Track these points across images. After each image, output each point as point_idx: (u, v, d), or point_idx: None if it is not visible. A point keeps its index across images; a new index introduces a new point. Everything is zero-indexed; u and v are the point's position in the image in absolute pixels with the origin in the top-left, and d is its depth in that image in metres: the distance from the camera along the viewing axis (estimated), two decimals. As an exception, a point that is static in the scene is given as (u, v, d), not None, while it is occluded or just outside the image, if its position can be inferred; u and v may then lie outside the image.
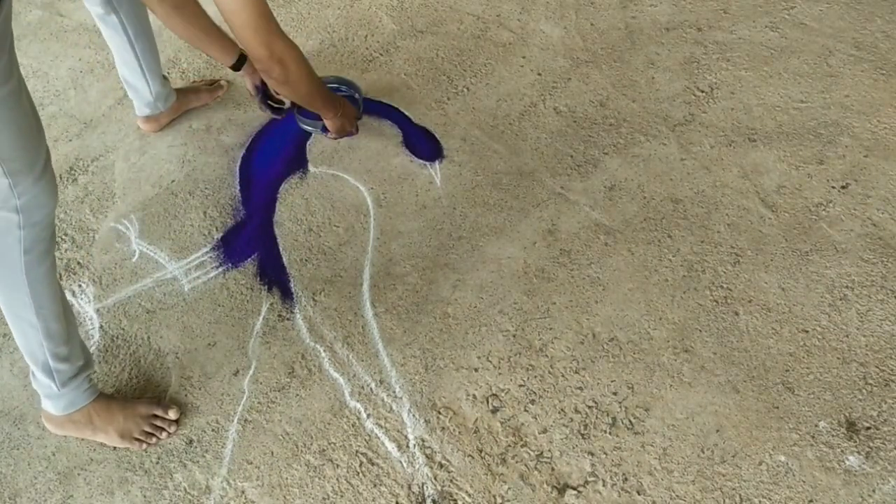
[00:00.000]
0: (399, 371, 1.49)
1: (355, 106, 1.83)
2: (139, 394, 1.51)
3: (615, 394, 1.42)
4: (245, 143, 1.93)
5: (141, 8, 1.72)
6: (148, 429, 1.42)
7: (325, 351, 1.53)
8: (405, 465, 1.36)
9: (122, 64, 1.80)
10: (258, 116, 1.98)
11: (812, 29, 2.03)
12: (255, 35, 1.30)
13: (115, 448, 1.43)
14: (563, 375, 1.45)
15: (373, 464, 1.37)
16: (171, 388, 1.51)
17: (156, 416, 1.43)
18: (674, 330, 1.49)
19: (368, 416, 1.43)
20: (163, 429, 1.43)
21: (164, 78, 1.88)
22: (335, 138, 1.79)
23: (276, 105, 1.84)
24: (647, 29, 2.10)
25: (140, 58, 1.77)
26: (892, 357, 1.42)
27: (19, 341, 1.30)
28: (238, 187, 1.85)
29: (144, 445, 1.42)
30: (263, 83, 1.78)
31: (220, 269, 1.69)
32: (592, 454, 1.35)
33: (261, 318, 1.60)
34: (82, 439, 1.43)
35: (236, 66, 1.72)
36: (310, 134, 1.90)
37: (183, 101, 1.97)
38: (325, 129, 1.74)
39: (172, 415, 1.44)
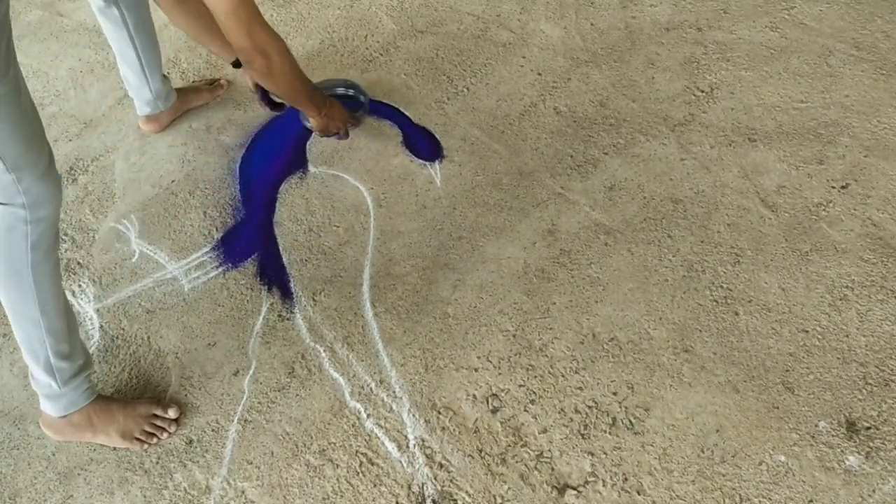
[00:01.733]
0: (399, 371, 1.49)
1: (360, 109, 1.82)
2: (139, 394, 1.51)
3: (615, 394, 1.42)
4: (245, 143, 1.93)
5: (142, 2, 1.72)
6: (148, 429, 1.42)
7: (325, 351, 1.53)
8: (405, 465, 1.36)
9: (122, 60, 1.80)
10: (258, 116, 1.98)
11: (812, 29, 2.03)
12: (237, 23, 1.31)
13: (114, 448, 1.43)
14: (563, 375, 1.45)
15: (373, 464, 1.37)
16: (171, 388, 1.51)
17: (156, 416, 1.43)
18: (674, 330, 1.49)
19: (368, 416, 1.43)
20: (163, 428, 1.43)
21: (165, 77, 1.89)
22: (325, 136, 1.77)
23: (276, 100, 1.82)
24: (647, 29, 2.10)
25: (140, 54, 1.77)
26: (892, 357, 1.42)
27: (21, 339, 1.31)
28: (238, 187, 1.85)
29: (145, 446, 1.42)
30: None
31: (220, 269, 1.69)
32: (592, 454, 1.35)
33: (261, 318, 1.60)
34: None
35: (238, 63, 1.74)
36: (311, 132, 1.88)
37: (183, 101, 1.97)
38: None
39: (172, 413, 1.44)
